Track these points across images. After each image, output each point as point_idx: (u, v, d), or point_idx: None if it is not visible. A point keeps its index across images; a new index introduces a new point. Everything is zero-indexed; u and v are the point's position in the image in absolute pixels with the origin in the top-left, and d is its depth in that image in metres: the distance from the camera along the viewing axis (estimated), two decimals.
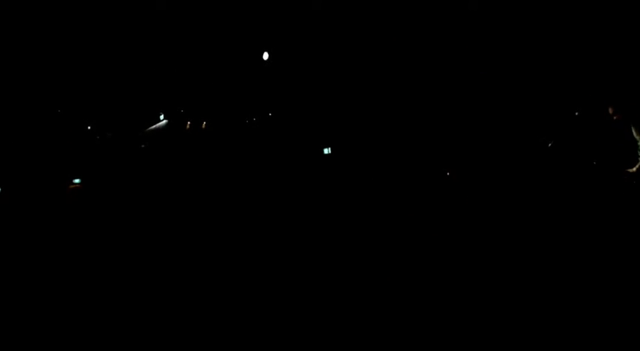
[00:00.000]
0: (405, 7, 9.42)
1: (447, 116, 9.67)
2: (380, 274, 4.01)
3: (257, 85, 10.87)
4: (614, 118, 4.14)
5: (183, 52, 10.04)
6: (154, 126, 10.47)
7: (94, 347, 3.11)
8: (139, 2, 9.30)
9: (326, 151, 11.12)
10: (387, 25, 9.79)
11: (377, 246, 4.95)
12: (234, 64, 10.59)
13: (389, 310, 3.28)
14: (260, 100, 11.09)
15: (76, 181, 8.72)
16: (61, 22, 8.74)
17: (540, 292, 3.30)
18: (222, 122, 11.06)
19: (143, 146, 10.16)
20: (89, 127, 9.29)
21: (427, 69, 9.86)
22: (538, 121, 8.17)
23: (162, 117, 10.53)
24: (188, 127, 10.87)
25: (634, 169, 4.09)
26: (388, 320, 3.15)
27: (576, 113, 7.70)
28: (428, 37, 9.57)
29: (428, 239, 5.02)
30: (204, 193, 9.01)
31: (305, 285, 3.92)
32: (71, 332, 3.31)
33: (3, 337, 3.30)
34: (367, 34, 10.01)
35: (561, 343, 2.68)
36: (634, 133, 4.05)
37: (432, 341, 2.85)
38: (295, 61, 10.75)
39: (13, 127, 8.38)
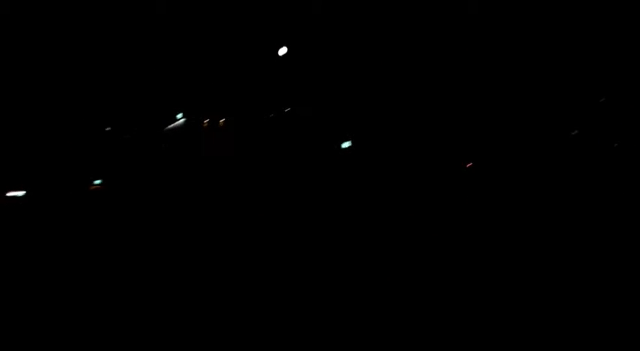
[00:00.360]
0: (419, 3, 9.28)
1: (466, 108, 9.50)
2: (394, 269, 3.97)
3: (273, 82, 10.87)
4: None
5: (198, 50, 10.11)
6: (171, 125, 10.60)
7: (111, 347, 3.16)
8: (155, 2, 9.40)
9: (344, 145, 11.06)
10: (405, 19, 9.65)
11: (393, 241, 4.90)
12: (250, 60, 10.61)
13: (402, 307, 3.24)
14: (277, 96, 11.09)
15: (97, 182, 8.93)
16: (78, 25, 8.92)
17: (554, 284, 3.21)
18: (240, 119, 11.12)
19: (162, 146, 10.30)
20: (108, 129, 9.48)
21: (448, 60, 9.69)
22: (561, 112, 7.95)
23: (179, 116, 10.65)
24: (206, 125, 10.96)
25: None
26: (395, 318, 3.10)
27: (602, 100, 7.44)
28: (451, 29, 9.40)
29: (446, 234, 4.95)
30: (224, 191, 9.08)
31: (324, 280, 3.91)
32: (90, 332, 3.37)
33: (19, 337, 3.38)
34: (389, 27, 9.89)
35: (564, 342, 2.60)
36: None
37: (438, 340, 2.78)
38: (311, 56, 10.70)
39: (32, 130, 8.61)
